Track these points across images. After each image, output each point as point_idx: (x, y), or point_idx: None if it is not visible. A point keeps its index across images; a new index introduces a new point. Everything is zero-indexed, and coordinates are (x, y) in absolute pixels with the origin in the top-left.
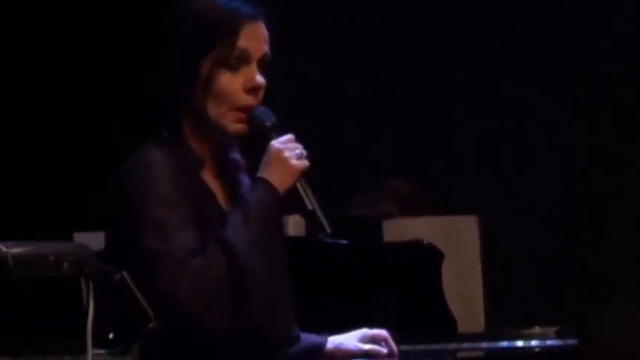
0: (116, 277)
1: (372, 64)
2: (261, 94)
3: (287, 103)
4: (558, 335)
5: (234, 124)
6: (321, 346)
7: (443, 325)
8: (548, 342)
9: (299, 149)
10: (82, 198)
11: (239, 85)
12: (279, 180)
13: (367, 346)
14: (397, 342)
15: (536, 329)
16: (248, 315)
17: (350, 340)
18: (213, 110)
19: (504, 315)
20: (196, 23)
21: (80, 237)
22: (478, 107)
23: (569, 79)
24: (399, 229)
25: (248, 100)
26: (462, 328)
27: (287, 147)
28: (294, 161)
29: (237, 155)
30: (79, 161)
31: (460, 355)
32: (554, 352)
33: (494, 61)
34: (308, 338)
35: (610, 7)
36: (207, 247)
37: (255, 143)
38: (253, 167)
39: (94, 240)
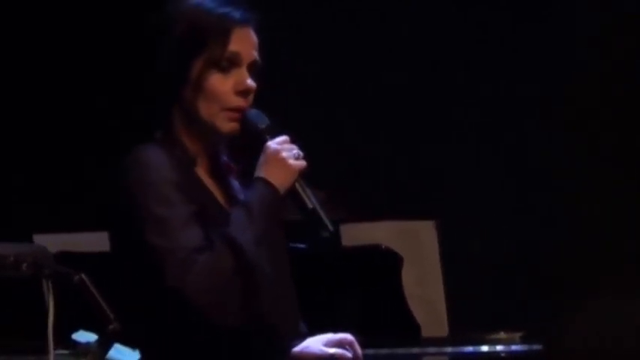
0: (75, 278)
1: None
2: (251, 97)
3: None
4: (524, 340)
5: (226, 123)
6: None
7: (406, 329)
8: (514, 347)
9: (295, 150)
10: (41, 200)
11: (229, 87)
12: (279, 179)
13: (332, 350)
14: (361, 346)
15: (502, 334)
16: (255, 311)
17: (315, 343)
18: (204, 110)
19: (469, 320)
20: (189, 24)
21: (39, 239)
22: (435, 111)
23: (526, 80)
24: (357, 233)
25: (238, 101)
26: (425, 332)
27: (284, 147)
28: (292, 161)
29: (226, 159)
30: (38, 163)
31: (425, 359)
32: (519, 357)
33: (458, 61)
34: None
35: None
36: (212, 244)
37: (246, 147)
38: (244, 171)
39: (54, 242)
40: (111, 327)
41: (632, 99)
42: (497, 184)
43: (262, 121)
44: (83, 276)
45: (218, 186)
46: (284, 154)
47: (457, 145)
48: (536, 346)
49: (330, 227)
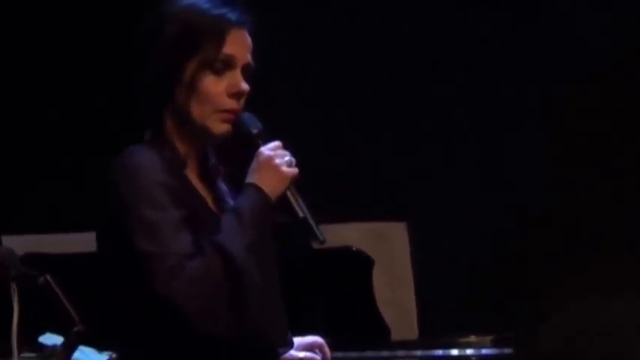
0: (40, 280)
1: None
2: (243, 100)
3: None
4: (494, 344)
5: (218, 125)
6: None
7: (376, 332)
8: (484, 350)
9: (288, 156)
10: (9, 201)
11: (222, 89)
12: (271, 186)
13: (302, 354)
14: (330, 349)
15: (472, 338)
16: (244, 318)
17: (295, 347)
18: (196, 111)
19: (439, 323)
20: (183, 25)
21: (7, 240)
22: (403, 111)
23: (501, 80)
24: (328, 234)
25: (231, 104)
26: (395, 335)
27: (277, 154)
28: (284, 168)
29: (214, 162)
30: (6, 163)
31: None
32: None
33: (418, 62)
34: None
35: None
36: (202, 250)
37: (237, 150)
38: (231, 174)
39: (21, 243)
40: (76, 329)
41: (604, 101)
42: (470, 186)
43: (255, 126)
44: (48, 277)
45: (207, 189)
46: (277, 160)
47: (430, 147)
48: (507, 350)
49: (321, 237)
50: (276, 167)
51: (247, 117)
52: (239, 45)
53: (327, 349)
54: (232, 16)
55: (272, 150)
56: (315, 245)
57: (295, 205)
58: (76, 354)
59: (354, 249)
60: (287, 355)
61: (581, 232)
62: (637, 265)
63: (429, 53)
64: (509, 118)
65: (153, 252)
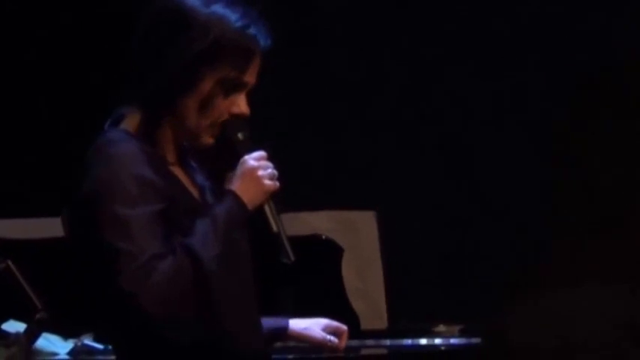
0: (1, 266)
1: None
2: None
3: None
4: (462, 334)
5: (208, 138)
6: (284, 329)
7: (345, 321)
8: (452, 340)
9: (271, 169)
10: None
11: (226, 107)
12: (250, 197)
13: (330, 338)
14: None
15: (441, 327)
16: (212, 325)
17: (315, 326)
18: (194, 122)
19: (408, 312)
20: (212, 40)
21: None
22: (373, 100)
23: (469, 74)
24: (297, 222)
25: (226, 119)
26: (364, 325)
27: (261, 165)
28: (267, 181)
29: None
30: None
31: (363, 352)
32: (458, 350)
33: (404, 54)
34: (269, 321)
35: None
36: (173, 251)
37: (217, 150)
38: (211, 172)
39: None
40: (38, 316)
41: (570, 99)
42: (440, 175)
43: (242, 131)
44: (9, 263)
45: (190, 178)
46: (260, 172)
47: (400, 137)
48: (475, 340)
49: (292, 256)
50: (259, 179)
51: (238, 121)
52: (255, 71)
53: (344, 340)
54: (261, 39)
55: (257, 160)
56: (283, 261)
57: (271, 218)
58: (40, 341)
59: (323, 237)
60: (318, 335)
61: (546, 223)
62: (600, 256)
63: (398, 42)
64: (479, 110)
65: (123, 248)
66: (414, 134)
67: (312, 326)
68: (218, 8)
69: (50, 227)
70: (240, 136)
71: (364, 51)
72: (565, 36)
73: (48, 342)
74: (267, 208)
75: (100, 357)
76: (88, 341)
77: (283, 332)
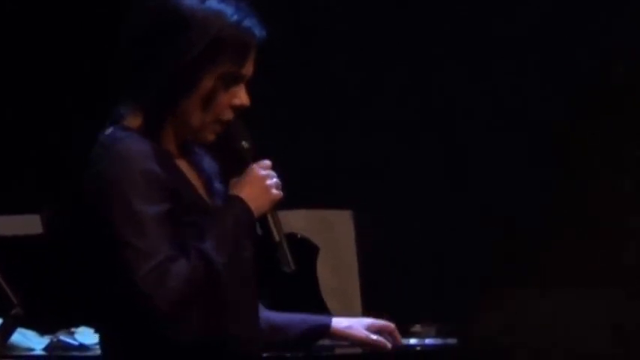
0: None
1: None
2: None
3: None
4: (438, 334)
5: (211, 135)
6: (326, 326)
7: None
8: (428, 340)
9: (275, 178)
10: None
11: (227, 101)
12: (257, 205)
13: (375, 337)
14: None
15: (417, 327)
16: (218, 326)
17: (358, 325)
18: (198, 119)
19: (384, 312)
20: (211, 38)
21: None
22: (352, 99)
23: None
24: None
25: (230, 115)
26: None
27: (268, 174)
28: (273, 190)
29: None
30: None
31: (338, 351)
32: (433, 350)
33: (390, 54)
34: (311, 318)
35: None
36: (186, 253)
37: (222, 157)
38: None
39: None
40: (14, 311)
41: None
42: (416, 176)
43: (247, 139)
44: None
45: (195, 169)
46: (268, 182)
47: (377, 137)
48: (451, 340)
49: (292, 266)
50: (267, 188)
51: (241, 129)
52: (252, 62)
53: (398, 335)
54: (257, 30)
55: (264, 169)
56: (284, 270)
57: (273, 228)
58: (16, 336)
59: (298, 236)
60: (361, 333)
61: (529, 225)
62: (584, 259)
63: (381, 42)
64: (461, 110)
65: (138, 246)
66: (391, 134)
67: (355, 324)
68: (213, 3)
69: (26, 224)
70: (244, 144)
71: (349, 49)
72: (563, 36)
73: (23, 337)
74: (269, 217)
75: (76, 353)
76: (63, 337)
77: (325, 330)
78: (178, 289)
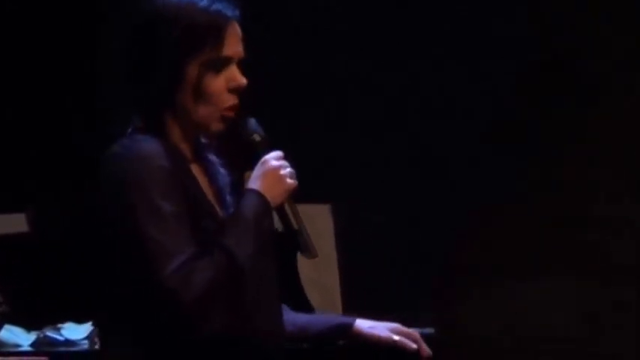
0: None
1: None
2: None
3: None
4: (415, 324)
5: (218, 124)
6: (349, 325)
7: (300, 312)
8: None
9: (289, 168)
10: None
11: (223, 86)
12: (273, 196)
13: (397, 337)
14: None
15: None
16: (243, 321)
17: (382, 326)
18: (201, 112)
19: (363, 304)
20: (184, 26)
21: None
22: (332, 92)
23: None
24: None
25: (232, 99)
26: None
27: (281, 164)
28: (288, 180)
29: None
30: None
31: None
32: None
33: (366, 48)
34: (335, 317)
35: None
36: (210, 252)
37: (235, 153)
38: (229, 164)
39: None
40: (0, 309)
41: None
42: (397, 167)
43: (259, 132)
44: None
45: (207, 182)
46: (282, 172)
47: (359, 130)
48: (428, 330)
49: (313, 251)
50: (281, 178)
51: (252, 123)
52: (235, 41)
53: (423, 344)
54: (228, 11)
55: (276, 160)
56: (307, 257)
57: (291, 216)
58: (3, 333)
59: (278, 230)
60: (384, 334)
61: (507, 214)
62: (561, 248)
63: (361, 37)
64: (439, 104)
65: (163, 243)
66: (376, 128)
67: (378, 326)
68: None
69: (11, 223)
70: (256, 137)
71: (328, 41)
72: (522, 26)
73: (10, 334)
74: (287, 207)
75: (63, 348)
76: (50, 333)
77: (349, 329)
78: (203, 286)
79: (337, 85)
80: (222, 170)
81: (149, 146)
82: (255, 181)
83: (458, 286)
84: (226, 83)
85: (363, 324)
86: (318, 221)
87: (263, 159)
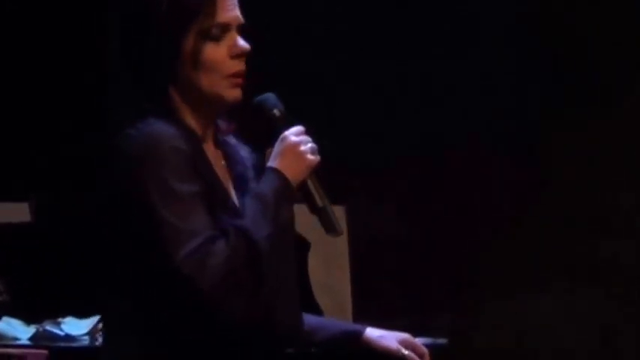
0: None
1: None
2: (245, 58)
3: None
4: (428, 333)
5: (230, 91)
6: (359, 334)
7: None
8: (417, 339)
9: (311, 143)
10: None
11: (224, 54)
12: (294, 174)
13: (407, 352)
14: None
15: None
16: (260, 306)
17: (391, 337)
18: (205, 82)
19: (374, 309)
20: (171, 1)
21: None
22: (338, 96)
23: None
24: None
25: (236, 66)
26: None
27: (301, 140)
28: (309, 156)
29: (222, 122)
30: None
31: None
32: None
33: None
34: (345, 324)
35: None
36: (226, 234)
37: (256, 130)
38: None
39: None
40: (0, 298)
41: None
42: (410, 172)
43: (278, 107)
44: None
45: (220, 165)
46: (302, 147)
47: (367, 130)
48: (441, 340)
49: (339, 229)
50: (302, 154)
51: (270, 97)
52: (229, 7)
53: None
54: None
55: (296, 135)
56: (331, 235)
57: (315, 193)
58: (1, 325)
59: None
60: (393, 345)
61: (517, 224)
62: (572, 259)
63: (360, 37)
64: (451, 107)
65: (178, 227)
66: (382, 129)
67: (388, 336)
68: None
69: (14, 212)
70: (276, 112)
71: (326, 35)
72: (537, 30)
73: (9, 326)
74: (310, 183)
75: (62, 343)
76: (50, 327)
77: (357, 337)
78: (220, 270)
79: (337, 85)
80: (243, 154)
81: (162, 128)
82: (274, 158)
83: (471, 296)
84: (228, 50)
85: (372, 333)
86: None
87: (282, 135)
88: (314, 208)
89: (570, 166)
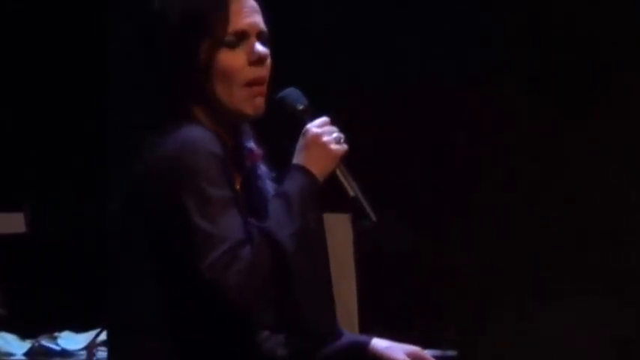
0: None
1: None
2: (268, 63)
3: None
4: (437, 345)
5: (248, 103)
6: (364, 345)
7: None
8: (427, 351)
9: (336, 132)
10: None
11: (243, 61)
12: (319, 166)
13: None
14: None
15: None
16: (290, 309)
17: (398, 349)
18: (222, 92)
19: (380, 319)
20: (184, 9)
21: None
22: (341, 99)
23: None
24: None
25: (255, 72)
26: None
27: (325, 131)
28: (333, 146)
29: (252, 144)
30: None
31: None
32: None
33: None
34: (352, 335)
35: None
36: (251, 237)
37: (282, 128)
38: (271, 153)
39: None
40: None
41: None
42: (419, 181)
43: (300, 101)
44: None
45: (236, 172)
46: (325, 138)
47: (373, 139)
48: (450, 352)
49: (373, 217)
50: (325, 145)
51: (292, 92)
52: (244, 14)
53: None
54: None
55: (319, 127)
56: (365, 224)
57: (346, 183)
58: None
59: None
60: (400, 357)
61: (530, 235)
62: (587, 270)
63: (361, 37)
64: (461, 111)
65: (208, 231)
66: (389, 138)
67: (394, 347)
68: None
69: (9, 222)
70: (299, 106)
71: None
72: (552, 35)
73: (3, 341)
74: (339, 174)
75: (58, 359)
76: (45, 342)
77: (363, 347)
78: (244, 274)
79: (337, 86)
80: (262, 175)
81: (196, 131)
82: (298, 154)
83: (481, 307)
84: (246, 57)
85: (379, 344)
86: (338, 231)
87: (305, 129)
88: (346, 200)
89: (582, 171)
